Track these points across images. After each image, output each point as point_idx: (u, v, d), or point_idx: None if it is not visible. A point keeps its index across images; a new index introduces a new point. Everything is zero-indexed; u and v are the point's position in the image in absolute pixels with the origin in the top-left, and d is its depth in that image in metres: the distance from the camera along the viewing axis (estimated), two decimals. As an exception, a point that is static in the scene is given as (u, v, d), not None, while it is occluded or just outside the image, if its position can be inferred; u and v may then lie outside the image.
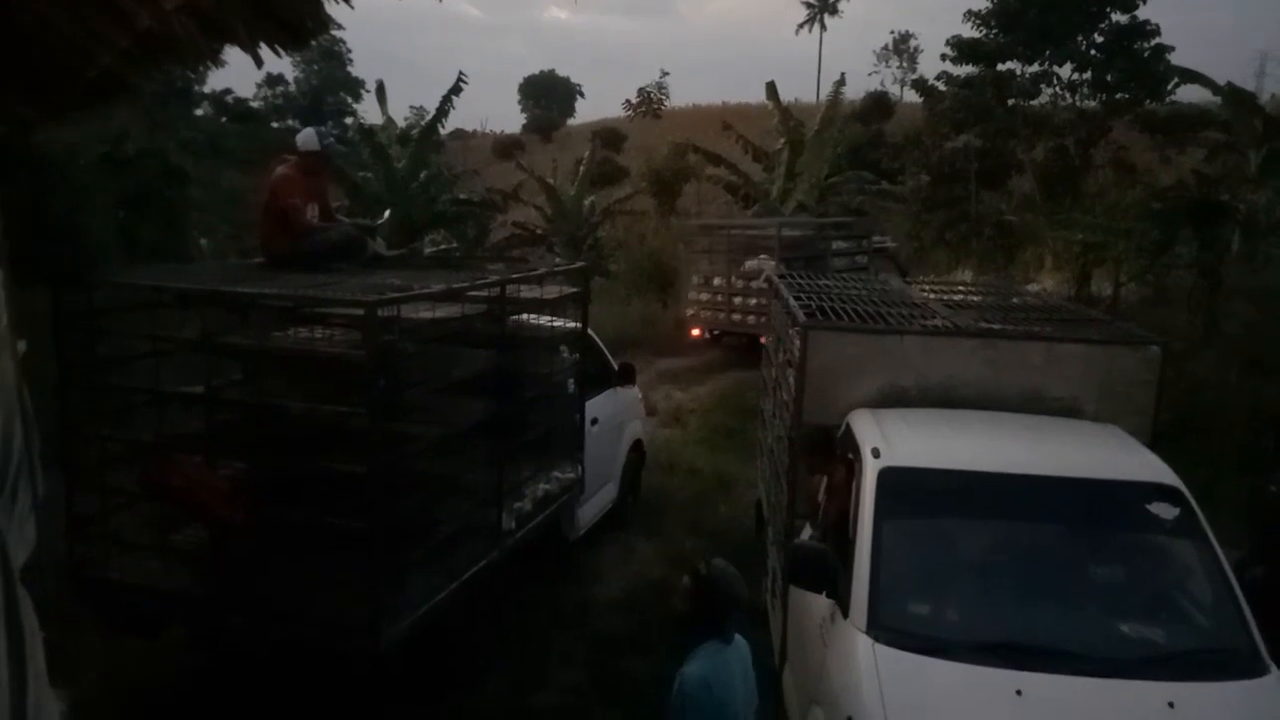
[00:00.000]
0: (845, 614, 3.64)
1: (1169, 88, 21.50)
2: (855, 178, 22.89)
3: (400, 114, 24.37)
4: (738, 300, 14.37)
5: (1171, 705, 3.14)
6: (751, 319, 13.68)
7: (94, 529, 4.59)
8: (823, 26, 64.08)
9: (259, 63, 2.78)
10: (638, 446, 8.13)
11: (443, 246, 17.33)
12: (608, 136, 38.30)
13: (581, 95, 66.24)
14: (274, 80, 50.70)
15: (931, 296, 6.43)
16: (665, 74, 40.29)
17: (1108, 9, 21.94)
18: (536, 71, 67.43)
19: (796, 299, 5.73)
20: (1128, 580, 3.91)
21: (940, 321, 5.27)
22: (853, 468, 4.23)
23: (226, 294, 4.61)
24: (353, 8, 2.86)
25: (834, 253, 15.59)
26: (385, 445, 4.14)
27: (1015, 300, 6.63)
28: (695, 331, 15.15)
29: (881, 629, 3.48)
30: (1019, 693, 3.18)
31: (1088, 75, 22.65)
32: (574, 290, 6.42)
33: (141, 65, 2.77)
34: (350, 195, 17.10)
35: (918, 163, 23.00)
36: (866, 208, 21.70)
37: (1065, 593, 3.80)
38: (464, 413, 4.89)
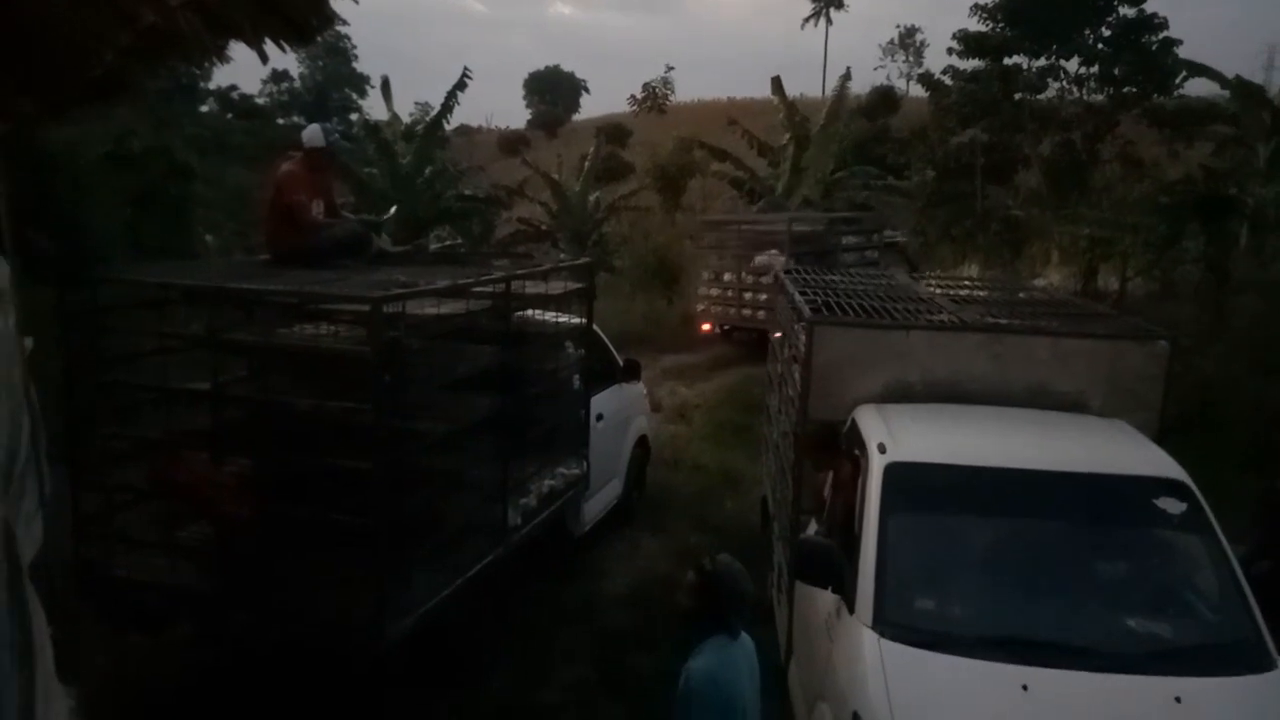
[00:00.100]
0: (851, 609, 3.64)
1: (1177, 81, 21.34)
2: (861, 173, 22.81)
3: (405, 110, 24.36)
4: (748, 295, 14.38)
5: (1178, 700, 3.14)
6: (761, 314, 13.68)
7: (100, 526, 4.60)
8: (828, 21, 64.12)
9: (264, 59, 2.77)
10: (643, 442, 8.12)
11: (448, 242, 17.32)
12: (613, 132, 38.23)
13: (586, 91, 66.30)
14: (279, 76, 50.82)
15: (937, 291, 6.42)
16: (670, 69, 40.48)
17: (1115, 2, 21.81)
18: (541, 67, 67.38)
19: (802, 294, 5.72)
20: (1134, 575, 3.90)
21: (946, 317, 5.26)
22: (858, 463, 4.23)
23: (232, 290, 4.61)
24: (357, 3, 2.86)
25: (844, 248, 15.56)
26: (390, 441, 4.14)
27: (1022, 295, 6.62)
28: (706, 326, 15.18)
29: (887, 624, 3.48)
30: (1025, 688, 3.18)
31: (1095, 69, 22.49)
32: (579, 286, 6.41)
33: (146, 62, 2.77)
34: (355, 191, 17.12)
35: (923, 157, 22.90)
36: (872, 203, 21.63)
37: (1072, 588, 3.78)
38: (469, 409, 4.89)
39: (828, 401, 4.77)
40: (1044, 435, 4.37)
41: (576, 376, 6.43)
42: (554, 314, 6.21)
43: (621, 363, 7.64)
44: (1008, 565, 3.90)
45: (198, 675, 5.22)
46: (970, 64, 22.73)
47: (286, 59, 48.64)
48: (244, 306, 4.90)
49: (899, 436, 4.16)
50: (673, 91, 49.75)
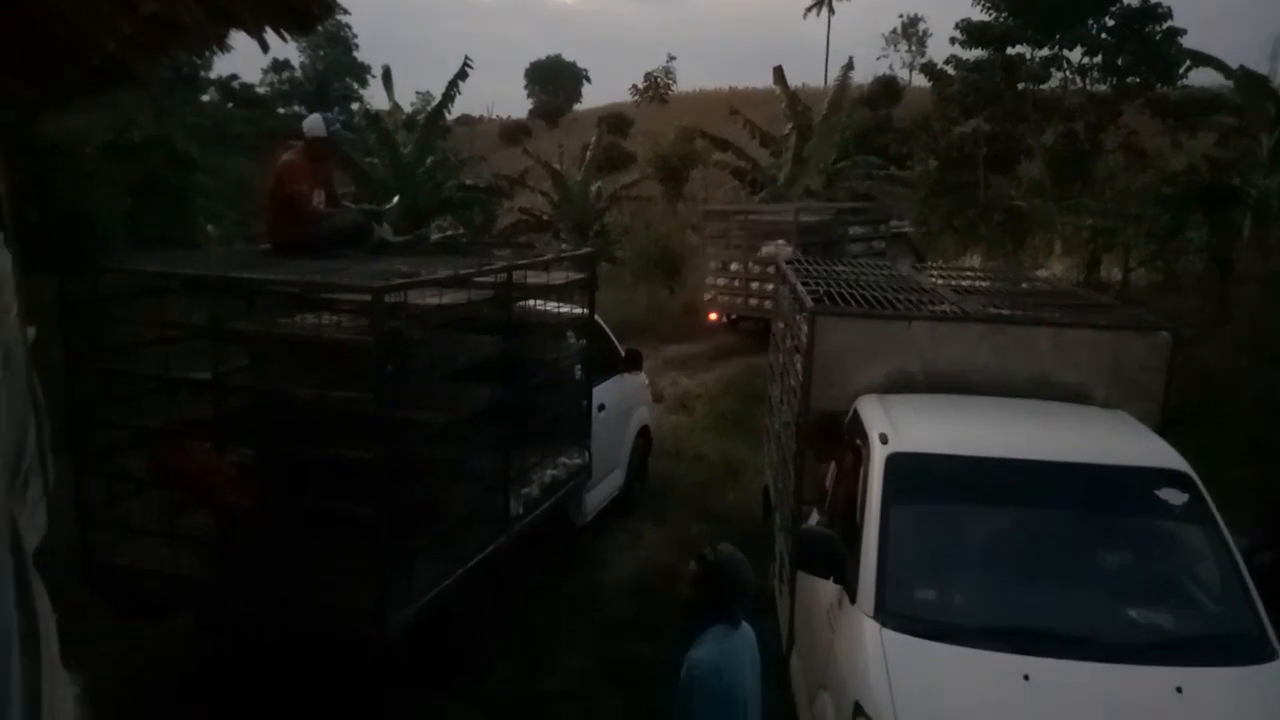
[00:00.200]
0: (853, 599, 3.65)
1: (1181, 71, 21.28)
2: (863, 163, 22.78)
3: (406, 99, 24.25)
4: (755, 285, 14.39)
5: (1179, 690, 3.15)
6: (768, 303, 13.67)
7: (103, 515, 4.62)
8: (830, 10, 63.75)
9: (265, 48, 2.76)
10: (645, 432, 8.13)
11: (449, 232, 17.32)
12: (614, 122, 38.17)
13: (588, 80, 66.12)
14: (280, 66, 50.68)
15: (940, 282, 6.41)
16: (672, 59, 40.31)
17: (1118, -8, 21.73)
18: (543, 56, 67.21)
19: (804, 284, 5.71)
20: (1136, 565, 3.90)
21: (948, 307, 5.25)
22: (860, 453, 4.23)
23: (233, 280, 4.61)
24: (359, -9, 2.84)
25: (851, 238, 15.56)
26: (392, 431, 4.14)
27: (1024, 286, 6.60)
28: (713, 316, 15.23)
29: (889, 614, 3.48)
30: (1026, 677, 3.19)
31: (1098, 59, 22.42)
32: (581, 276, 6.40)
33: (147, 51, 2.76)
34: (356, 181, 17.08)
35: (926, 148, 22.87)
36: (874, 193, 21.60)
37: (1073, 578, 3.79)
38: (471, 399, 4.89)
39: (830, 392, 4.77)
40: (1046, 426, 4.37)
41: (578, 367, 6.43)
42: (556, 304, 6.20)
43: (623, 353, 7.64)
44: (1009, 556, 3.91)
45: (201, 663, 5.25)
46: (973, 54, 22.69)
47: (287, 48, 48.53)
48: (245, 296, 4.90)
49: (901, 427, 4.16)
50: (674, 81, 49.73)
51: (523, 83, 66.05)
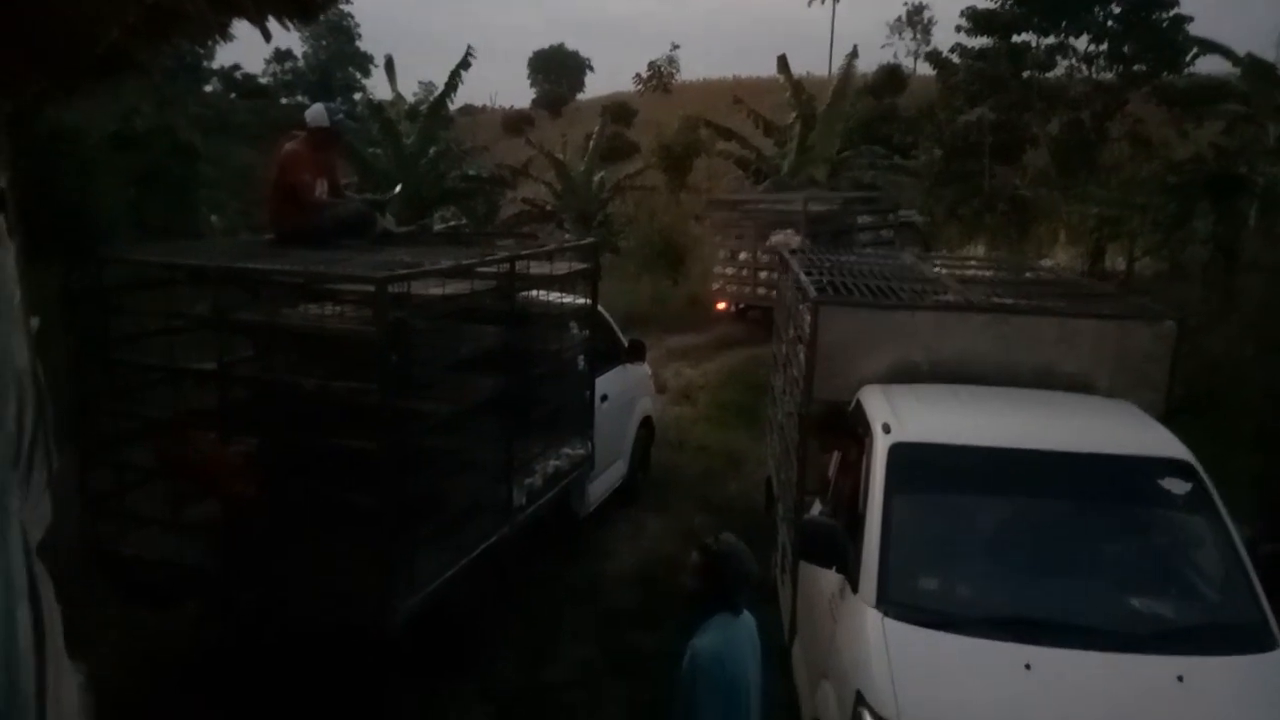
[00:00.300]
0: (855, 589, 3.65)
1: (1188, 59, 21.14)
2: (868, 152, 22.66)
3: (409, 89, 24.24)
4: (763, 274, 14.36)
5: (1181, 679, 3.15)
6: (776, 293, 13.70)
7: (108, 504, 4.64)
8: (835, -2, 63.28)
9: (267, 37, 2.76)
10: (647, 423, 8.14)
11: (452, 223, 17.29)
12: (618, 111, 38.00)
13: (591, 69, 65.88)
14: (282, 56, 50.55)
15: (944, 272, 6.39)
16: (675, 48, 40.13)
17: (1126, -21, 21.59)
18: (546, 45, 66.95)
19: (808, 274, 5.70)
20: (1139, 555, 3.91)
21: (952, 297, 5.24)
22: (863, 443, 4.23)
23: (237, 270, 4.62)
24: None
25: (859, 227, 15.53)
26: (396, 421, 4.15)
27: (1028, 275, 6.59)
28: (721, 305, 15.27)
29: (891, 604, 3.49)
30: (1028, 667, 3.20)
31: (1104, 47, 22.29)
32: (584, 266, 6.40)
33: (150, 41, 2.75)
34: (359, 171, 17.05)
35: (931, 137, 22.77)
36: (879, 183, 21.53)
37: (1076, 568, 3.79)
38: (474, 389, 4.90)
39: (833, 382, 4.76)
40: (1050, 416, 4.37)
41: (581, 357, 6.43)
42: (559, 294, 6.20)
43: (626, 343, 7.64)
44: (1012, 545, 3.91)
45: (205, 653, 5.27)
46: (978, 42, 22.55)
47: (290, 38, 48.54)
48: (250, 286, 4.90)
49: (904, 417, 4.15)
50: (678, 70, 49.51)
51: (525, 72, 65.94)
